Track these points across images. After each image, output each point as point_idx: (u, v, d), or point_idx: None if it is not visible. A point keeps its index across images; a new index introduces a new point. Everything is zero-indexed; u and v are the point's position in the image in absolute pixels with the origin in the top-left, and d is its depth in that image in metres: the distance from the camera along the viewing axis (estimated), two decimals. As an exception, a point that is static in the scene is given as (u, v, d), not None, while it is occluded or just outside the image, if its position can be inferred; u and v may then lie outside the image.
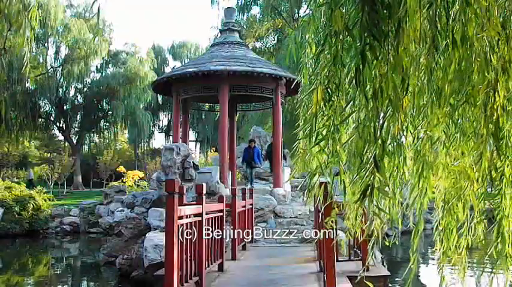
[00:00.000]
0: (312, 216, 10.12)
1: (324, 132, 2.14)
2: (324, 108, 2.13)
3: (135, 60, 34.92)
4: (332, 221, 2.88)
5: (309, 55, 2.63)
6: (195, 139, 44.47)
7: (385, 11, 1.86)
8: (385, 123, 1.88)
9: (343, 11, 1.96)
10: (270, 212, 10.89)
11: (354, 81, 1.89)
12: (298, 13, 27.31)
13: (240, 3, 29.16)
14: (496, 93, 2.07)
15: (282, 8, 28.38)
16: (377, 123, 1.86)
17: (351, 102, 2.00)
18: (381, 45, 1.86)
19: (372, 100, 1.86)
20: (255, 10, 30.38)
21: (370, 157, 1.86)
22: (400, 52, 1.87)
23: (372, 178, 1.83)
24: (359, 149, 1.91)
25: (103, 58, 35.06)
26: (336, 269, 4.65)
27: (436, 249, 2.90)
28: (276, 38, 30.16)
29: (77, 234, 19.50)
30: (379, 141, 1.84)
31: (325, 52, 2.11)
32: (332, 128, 2.11)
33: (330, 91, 2.10)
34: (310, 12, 2.68)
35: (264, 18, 28.34)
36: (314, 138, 2.17)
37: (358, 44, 1.88)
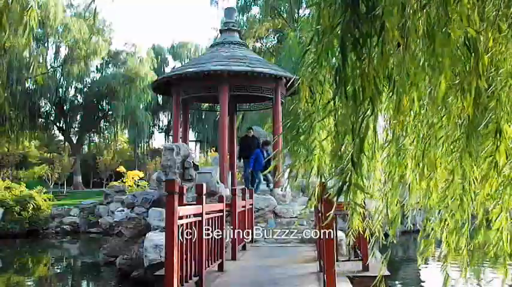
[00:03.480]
0: (312, 216, 10.12)
1: (305, 128, 2.16)
2: (307, 106, 2.16)
3: (135, 60, 34.88)
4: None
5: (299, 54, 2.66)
6: (195, 139, 44.45)
7: (368, 13, 1.88)
8: (364, 122, 1.90)
9: (330, 10, 1.98)
10: (270, 212, 10.89)
11: (334, 80, 1.92)
12: (298, 13, 27.32)
13: (239, 4, 29.17)
14: (468, 93, 2.09)
15: (282, 8, 28.41)
16: (356, 123, 1.89)
17: (332, 101, 2.02)
18: (363, 46, 1.88)
19: (351, 100, 1.88)
20: (255, 10, 30.39)
21: (348, 154, 1.89)
22: (384, 53, 1.89)
23: (349, 175, 1.86)
24: (337, 146, 1.94)
25: (103, 58, 35.02)
26: (336, 269, 4.65)
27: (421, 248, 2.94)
28: (276, 38, 30.17)
29: (77, 234, 19.50)
30: (357, 139, 1.87)
31: (310, 51, 2.14)
32: (313, 125, 2.13)
33: (311, 89, 2.13)
34: (309, 11, 2.70)
35: (264, 19, 28.35)
36: (295, 134, 2.20)
37: (338, 45, 1.91)
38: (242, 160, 13.24)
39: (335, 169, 2.03)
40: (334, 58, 2.03)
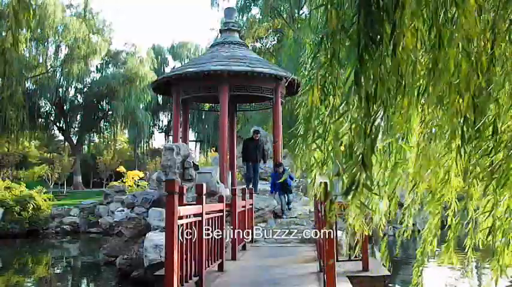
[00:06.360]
0: (312, 216, 10.12)
1: (320, 131, 2.16)
2: (320, 108, 2.15)
3: (135, 60, 34.89)
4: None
5: (307, 55, 2.66)
6: (195, 139, 44.47)
7: (381, 13, 1.88)
8: (376, 122, 1.90)
9: (340, 11, 1.99)
10: (270, 212, 10.89)
11: (352, 82, 1.92)
12: (298, 13, 27.31)
13: (239, 4, 29.18)
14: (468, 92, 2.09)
15: (282, 8, 28.41)
16: (368, 123, 1.89)
17: (345, 102, 2.03)
18: (377, 47, 1.88)
19: (365, 101, 1.89)
20: (255, 11, 30.41)
21: (359, 154, 1.89)
22: (397, 53, 1.89)
23: (359, 175, 1.86)
24: (350, 146, 1.94)
25: (103, 58, 35.04)
26: (336, 269, 4.64)
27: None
28: (275, 39, 30.17)
29: (77, 234, 19.51)
30: (369, 139, 1.87)
31: (322, 52, 2.14)
32: (328, 127, 2.13)
33: (326, 91, 2.13)
34: (308, 12, 2.71)
35: (264, 19, 28.36)
36: (311, 136, 2.20)
37: (354, 46, 1.91)
38: (246, 163, 12.66)
39: (337, 169, 2.03)
40: (346, 60, 2.03)
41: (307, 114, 2.25)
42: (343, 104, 2.04)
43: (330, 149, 2.17)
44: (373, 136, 1.89)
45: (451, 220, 2.97)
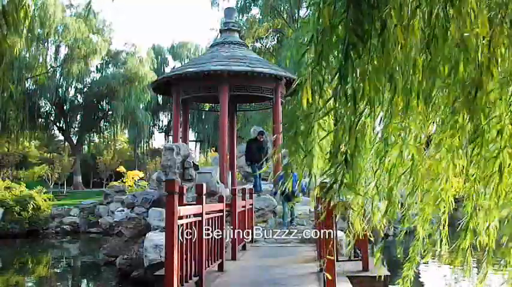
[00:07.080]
0: (312, 216, 10.12)
1: (303, 129, 2.16)
2: (307, 106, 2.14)
3: (135, 60, 34.84)
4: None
5: (300, 53, 2.64)
6: (195, 139, 44.44)
7: (370, 10, 1.86)
8: (361, 121, 1.89)
9: (332, 9, 1.98)
10: (270, 212, 10.89)
11: (336, 79, 1.91)
12: (298, 13, 27.33)
13: (239, 5, 29.18)
14: (480, 91, 2.07)
15: (282, 8, 28.42)
16: (353, 121, 1.88)
17: (331, 99, 2.01)
18: (365, 45, 1.87)
19: (351, 99, 1.87)
20: (255, 11, 30.42)
21: (343, 153, 1.88)
22: (386, 52, 1.88)
23: (341, 174, 1.86)
24: (335, 145, 1.93)
25: (103, 58, 35.00)
26: (336, 269, 4.65)
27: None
28: (275, 39, 30.17)
29: (77, 234, 19.51)
30: (353, 139, 1.86)
31: (310, 51, 2.13)
32: (311, 125, 2.13)
33: (312, 89, 2.11)
34: (310, 12, 2.69)
35: (264, 19, 28.37)
36: (293, 135, 2.19)
37: (341, 43, 1.89)
38: (251, 164, 12.49)
39: (329, 169, 2.02)
40: (334, 58, 2.02)
41: (290, 112, 2.26)
42: (328, 102, 2.03)
43: (311, 148, 2.17)
44: (358, 135, 1.89)
45: (445, 219, 2.97)
